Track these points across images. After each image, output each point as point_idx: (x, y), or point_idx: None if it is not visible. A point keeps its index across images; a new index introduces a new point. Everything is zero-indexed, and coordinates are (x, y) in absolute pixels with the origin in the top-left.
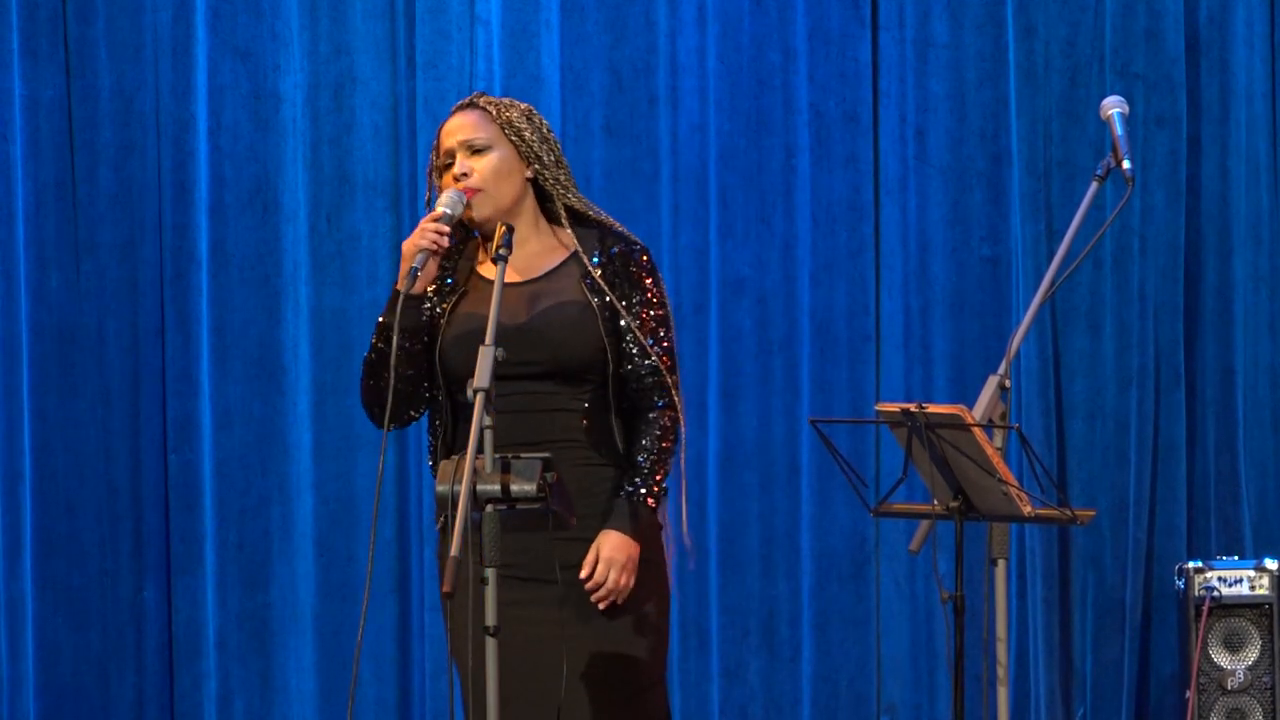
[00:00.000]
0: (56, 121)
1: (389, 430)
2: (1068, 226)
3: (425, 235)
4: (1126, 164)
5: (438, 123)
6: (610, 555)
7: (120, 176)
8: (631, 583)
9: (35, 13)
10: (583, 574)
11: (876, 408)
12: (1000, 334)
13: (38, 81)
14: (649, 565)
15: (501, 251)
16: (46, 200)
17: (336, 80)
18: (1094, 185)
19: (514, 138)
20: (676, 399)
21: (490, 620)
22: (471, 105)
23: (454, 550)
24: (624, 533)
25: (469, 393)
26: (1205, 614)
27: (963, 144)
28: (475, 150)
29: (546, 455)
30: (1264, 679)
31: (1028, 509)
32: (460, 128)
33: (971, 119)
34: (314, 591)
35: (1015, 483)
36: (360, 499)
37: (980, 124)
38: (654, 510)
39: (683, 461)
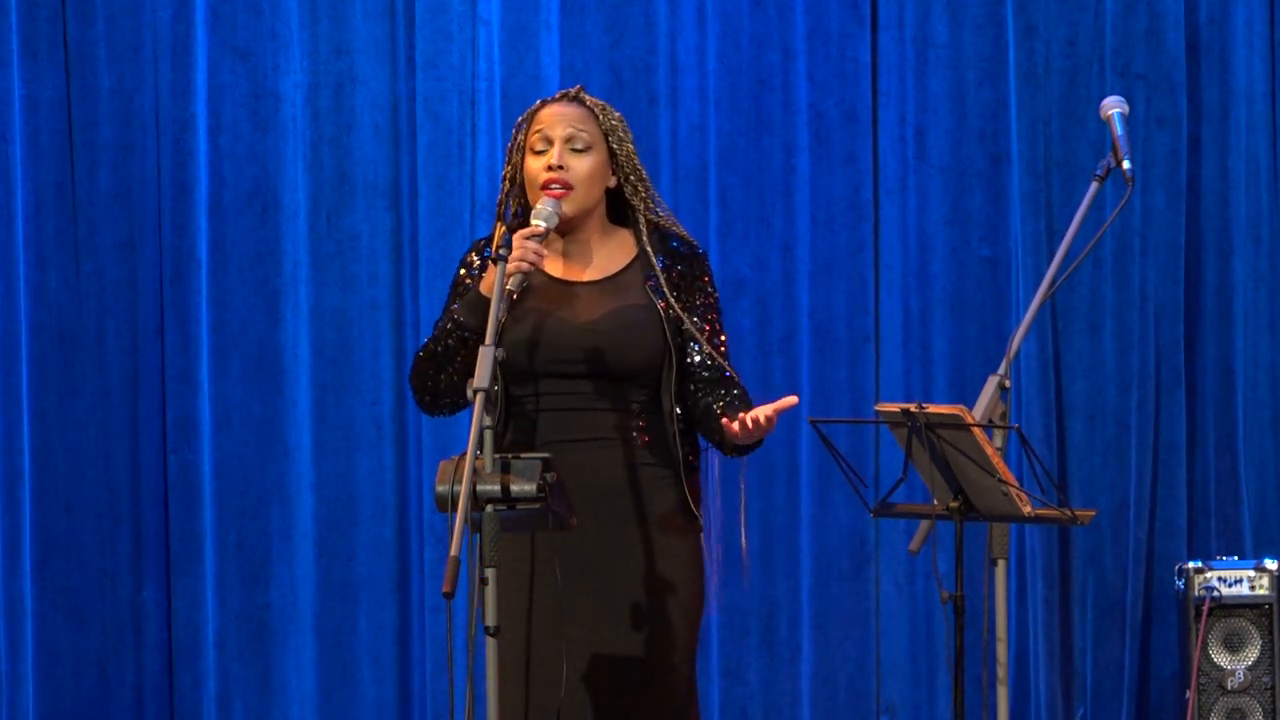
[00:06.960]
0: (56, 122)
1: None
2: (1068, 226)
3: (526, 255)
4: (1126, 164)
5: (438, 123)
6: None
7: (120, 176)
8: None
9: (35, 13)
10: (734, 427)
11: (876, 408)
12: (1000, 334)
13: (37, 82)
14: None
15: (501, 252)
16: (46, 200)
17: (336, 80)
18: (1094, 185)
19: (614, 145)
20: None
21: (490, 620)
22: (578, 100)
23: (453, 550)
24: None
25: (469, 392)
26: (1205, 614)
27: (962, 144)
28: (577, 149)
29: (546, 455)
30: (1264, 679)
31: (1028, 509)
32: (567, 119)
33: (971, 119)
34: (313, 591)
35: (1015, 483)
36: (360, 499)
37: (980, 124)
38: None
39: (742, 476)
